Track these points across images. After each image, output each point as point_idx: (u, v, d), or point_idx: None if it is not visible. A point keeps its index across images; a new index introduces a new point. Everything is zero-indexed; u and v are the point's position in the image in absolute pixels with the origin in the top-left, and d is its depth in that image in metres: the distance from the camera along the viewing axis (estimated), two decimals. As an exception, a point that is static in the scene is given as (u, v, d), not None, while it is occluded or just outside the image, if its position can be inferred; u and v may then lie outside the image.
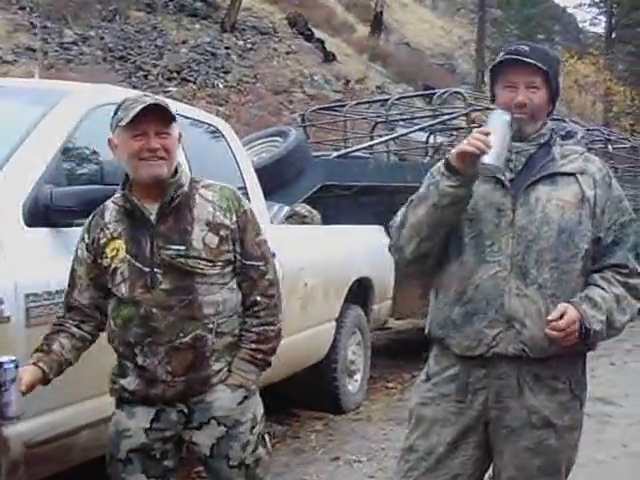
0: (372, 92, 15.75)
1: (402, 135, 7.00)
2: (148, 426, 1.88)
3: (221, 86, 13.24)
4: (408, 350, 5.63)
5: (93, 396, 2.24)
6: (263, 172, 3.88)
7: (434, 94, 7.47)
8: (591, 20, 37.91)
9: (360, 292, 4.43)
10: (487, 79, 2.07)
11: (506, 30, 26.71)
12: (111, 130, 1.91)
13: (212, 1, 15.79)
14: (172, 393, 1.87)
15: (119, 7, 13.96)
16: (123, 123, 1.83)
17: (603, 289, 1.76)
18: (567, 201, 1.76)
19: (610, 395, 4.63)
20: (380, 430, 3.96)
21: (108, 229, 1.90)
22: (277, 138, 5.30)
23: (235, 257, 1.93)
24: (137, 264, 1.86)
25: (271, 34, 16.19)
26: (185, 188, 1.91)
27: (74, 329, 1.93)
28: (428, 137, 7.00)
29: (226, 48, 14.60)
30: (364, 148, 6.35)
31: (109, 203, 1.95)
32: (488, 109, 5.47)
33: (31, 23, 11.94)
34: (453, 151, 1.69)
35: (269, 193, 3.82)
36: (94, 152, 2.55)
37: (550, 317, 1.69)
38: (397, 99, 8.18)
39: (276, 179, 4.52)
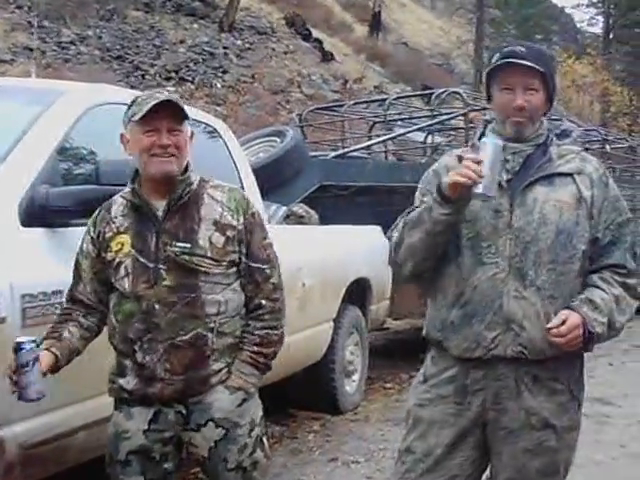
0: (370, 92, 15.75)
1: (400, 135, 6.99)
2: (146, 427, 1.88)
3: (219, 86, 13.24)
4: (406, 350, 5.62)
5: (90, 397, 2.23)
6: (261, 172, 3.87)
7: (432, 94, 7.45)
8: (589, 20, 37.89)
9: (358, 292, 4.43)
10: (484, 79, 2.05)
11: (504, 30, 26.76)
12: (124, 125, 1.91)
13: (210, 1, 15.79)
14: (170, 392, 1.86)
15: (117, 7, 13.95)
16: (136, 118, 1.84)
17: (603, 290, 1.75)
18: (565, 202, 1.75)
19: (608, 395, 4.64)
20: (378, 431, 3.96)
21: (114, 223, 1.91)
22: (275, 138, 5.29)
23: (240, 258, 1.93)
24: (141, 259, 1.86)
25: (269, 34, 16.19)
26: (194, 186, 1.92)
27: (82, 319, 1.94)
28: (426, 137, 7.00)
29: (224, 48, 14.60)
30: (362, 148, 6.35)
31: (117, 198, 1.96)
32: (485, 109, 5.46)
33: (29, 22, 11.91)
34: (445, 180, 1.67)
35: (267, 193, 3.81)
36: (90, 152, 2.54)
37: (550, 324, 1.68)
38: (395, 99, 8.17)
39: (274, 179, 4.51)
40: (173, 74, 12.86)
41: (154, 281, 1.84)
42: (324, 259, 3.99)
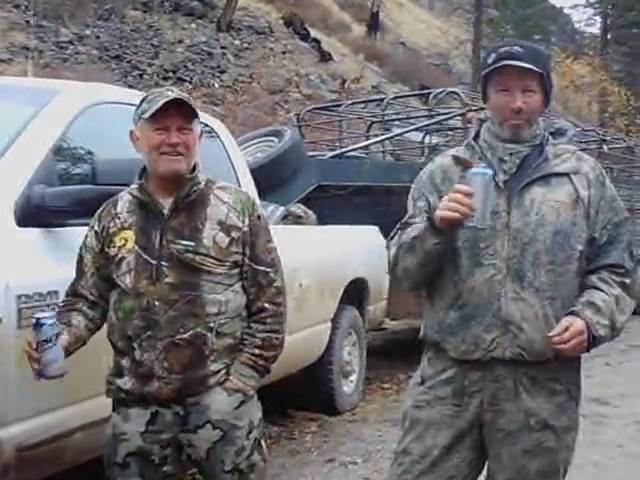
0: (368, 92, 15.74)
1: (398, 135, 6.99)
2: (143, 429, 1.87)
3: (217, 86, 13.22)
4: (404, 351, 5.61)
5: (86, 398, 2.22)
6: (258, 172, 3.86)
7: (430, 94, 7.45)
8: (587, 21, 38.07)
9: (355, 293, 4.42)
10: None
11: (502, 30, 26.77)
12: (134, 122, 1.91)
13: (208, 0, 15.77)
14: (168, 391, 1.85)
15: (115, 6, 13.93)
16: (146, 116, 1.84)
17: (603, 292, 1.75)
18: (562, 202, 1.75)
19: (605, 396, 4.64)
20: (376, 431, 3.95)
21: (119, 219, 1.91)
22: (272, 138, 5.28)
23: (243, 260, 1.93)
24: (145, 256, 1.86)
25: (267, 34, 16.17)
26: (201, 186, 1.92)
27: (86, 309, 1.94)
28: (424, 137, 6.99)
29: (222, 48, 14.58)
30: (360, 148, 6.34)
31: (124, 194, 1.96)
32: (483, 109, 5.44)
33: (27, 22, 11.89)
34: (437, 214, 1.66)
35: (264, 193, 3.80)
36: (87, 151, 2.53)
37: (553, 332, 1.67)
38: (393, 99, 8.16)
39: (271, 179, 4.51)
40: (171, 74, 12.84)
41: (156, 278, 1.84)
42: (321, 259, 3.98)
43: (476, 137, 1.85)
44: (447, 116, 6.86)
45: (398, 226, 1.85)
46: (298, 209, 4.50)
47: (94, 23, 13.26)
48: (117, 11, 13.89)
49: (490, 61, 1.74)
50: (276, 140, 5.19)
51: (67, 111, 2.48)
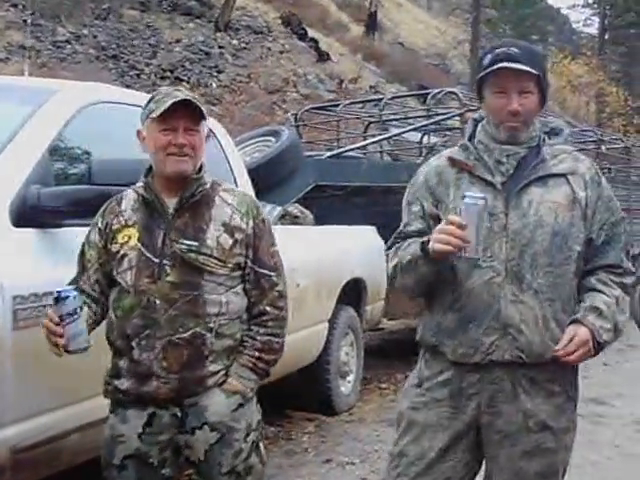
0: (366, 92, 15.74)
1: (396, 135, 6.98)
2: (141, 431, 1.86)
3: (214, 85, 13.21)
4: (401, 351, 5.61)
5: (82, 399, 2.21)
6: (255, 172, 3.85)
7: (428, 94, 7.44)
8: (584, 21, 38.06)
9: (353, 293, 4.42)
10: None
11: (500, 30, 26.80)
12: (141, 121, 1.91)
13: (206, 0, 15.75)
14: (166, 391, 1.84)
15: (112, 5, 13.91)
16: (153, 116, 1.84)
17: (604, 294, 1.75)
18: (559, 203, 1.74)
19: (603, 395, 4.64)
20: (373, 432, 3.95)
21: (123, 216, 1.91)
22: (270, 138, 5.27)
23: (246, 262, 1.93)
24: (147, 254, 1.86)
25: (265, 33, 16.16)
26: (207, 187, 1.92)
27: (89, 302, 1.92)
28: (422, 137, 6.98)
29: (220, 47, 14.57)
30: (357, 148, 6.34)
31: (129, 191, 1.96)
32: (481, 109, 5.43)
33: (24, 21, 11.86)
34: (431, 246, 1.66)
35: (261, 193, 3.80)
36: (83, 151, 2.52)
37: (557, 347, 1.67)
38: (391, 99, 8.16)
39: (269, 179, 4.50)
40: (169, 73, 12.83)
41: (157, 276, 1.84)
42: (319, 260, 3.98)
43: (471, 138, 1.84)
44: (445, 116, 6.85)
45: (394, 236, 1.85)
46: (295, 209, 4.49)
47: (91, 22, 13.24)
48: (114, 10, 13.87)
49: (486, 62, 1.72)
50: (274, 140, 5.18)
51: (64, 111, 2.47)
